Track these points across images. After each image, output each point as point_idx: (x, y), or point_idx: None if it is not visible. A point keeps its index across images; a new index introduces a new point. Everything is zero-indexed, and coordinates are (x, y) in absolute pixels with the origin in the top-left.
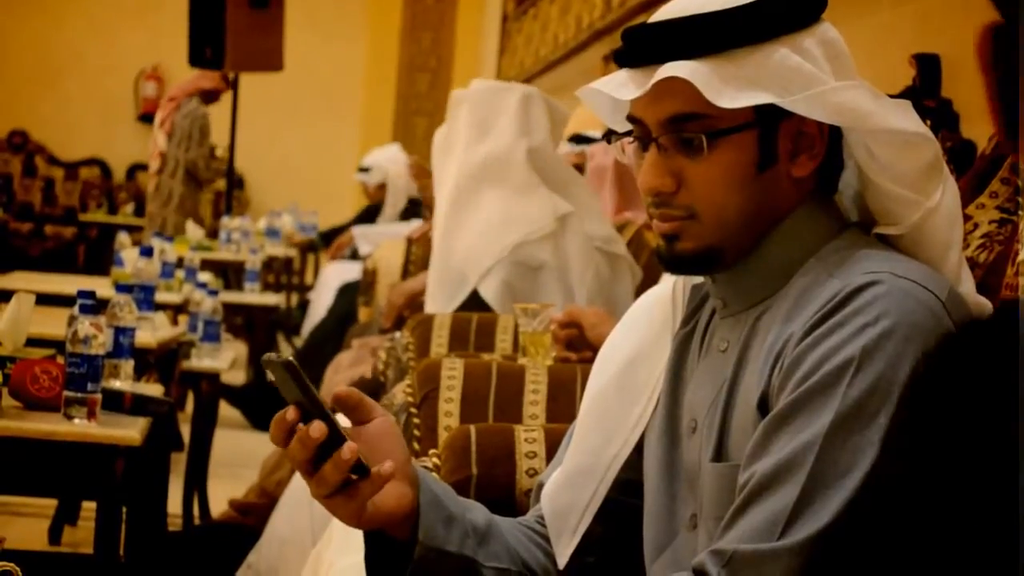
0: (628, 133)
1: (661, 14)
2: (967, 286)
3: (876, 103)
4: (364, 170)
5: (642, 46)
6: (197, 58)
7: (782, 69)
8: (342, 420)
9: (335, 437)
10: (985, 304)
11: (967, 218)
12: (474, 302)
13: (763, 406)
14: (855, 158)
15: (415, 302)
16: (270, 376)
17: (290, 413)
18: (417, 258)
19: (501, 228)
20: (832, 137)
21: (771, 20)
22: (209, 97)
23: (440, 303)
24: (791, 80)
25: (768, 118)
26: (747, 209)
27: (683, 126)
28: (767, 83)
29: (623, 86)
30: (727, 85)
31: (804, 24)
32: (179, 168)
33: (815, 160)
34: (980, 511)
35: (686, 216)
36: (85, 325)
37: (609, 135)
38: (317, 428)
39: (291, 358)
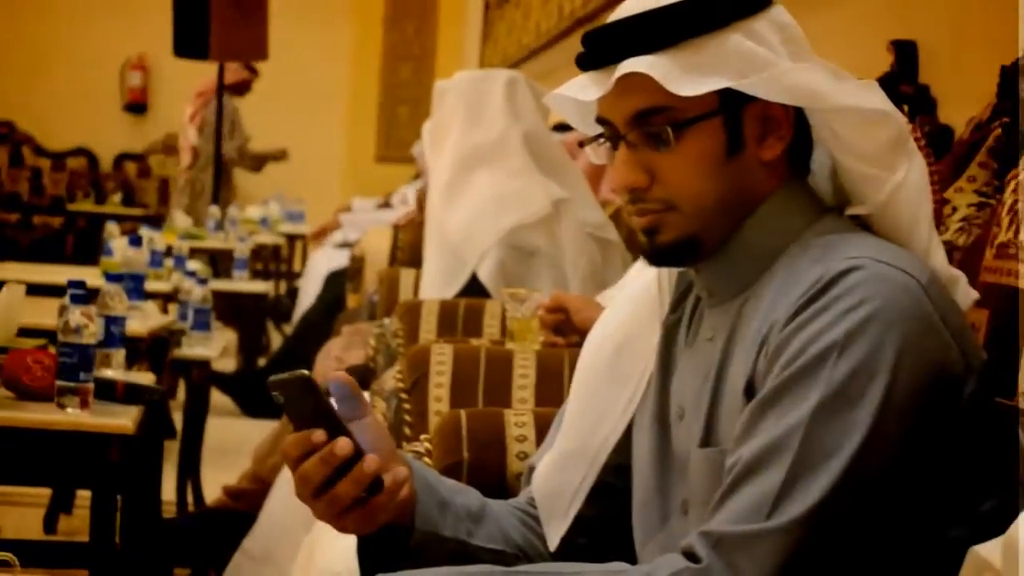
0: (599, 136)
1: (617, 14)
2: (938, 260)
3: (836, 83)
4: None
5: (601, 47)
6: (182, 48)
7: (737, 54)
8: None
9: (356, 452)
10: (958, 275)
11: (945, 202)
12: (468, 285)
13: (749, 391)
14: (820, 138)
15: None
16: (277, 397)
17: (318, 435)
18: (404, 244)
19: (496, 209)
20: (800, 119)
21: (722, 8)
22: (239, 89)
23: (439, 289)
24: (747, 64)
25: (732, 104)
26: (721, 196)
27: (649, 120)
28: (724, 69)
29: (585, 88)
30: (686, 75)
31: (755, 9)
32: (211, 162)
33: (783, 141)
34: (962, 490)
35: (663, 209)
36: (76, 315)
37: (582, 142)
38: (344, 445)
39: (306, 372)
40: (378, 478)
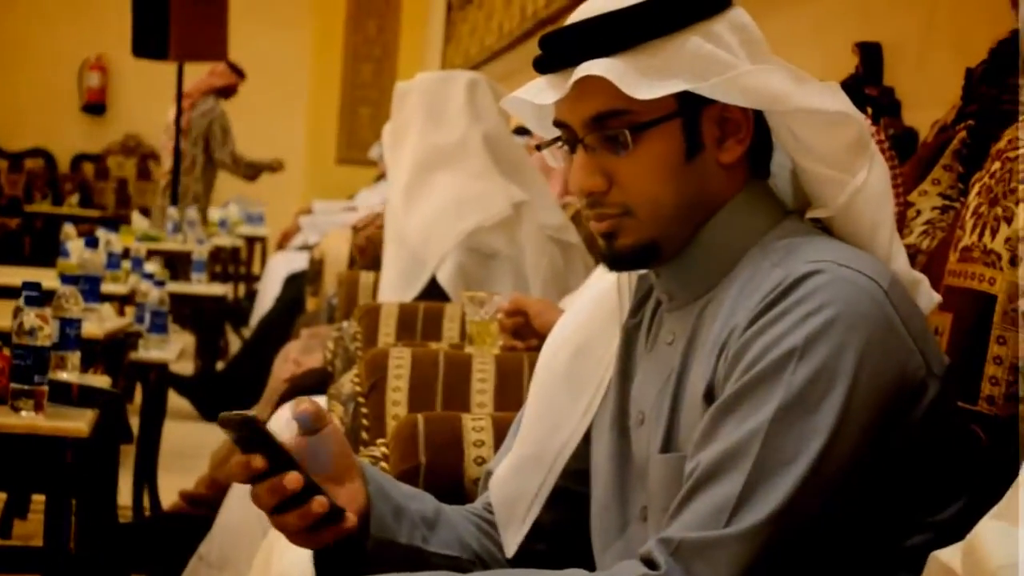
0: (556, 140)
1: (575, 16)
2: (900, 262)
3: (795, 85)
4: None
5: (558, 49)
6: (141, 48)
7: (695, 57)
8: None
9: (307, 487)
10: (920, 278)
11: (909, 205)
12: (427, 288)
13: (709, 396)
14: (780, 141)
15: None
16: (228, 434)
17: (256, 461)
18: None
19: (456, 212)
20: (760, 121)
21: (680, 10)
22: (226, 93)
23: (398, 291)
24: (705, 67)
25: (690, 106)
26: (680, 199)
27: (606, 123)
28: (681, 71)
29: (542, 91)
30: (643, 77)
31: (714, 11)
32: (196, 165)
33: (742, 144)
34: (924, 496)
35: (621, 213)
36: (31, 317)
37: (539, 146)
38: (293, 479)
39: (250, 414)
40: (337, 512)
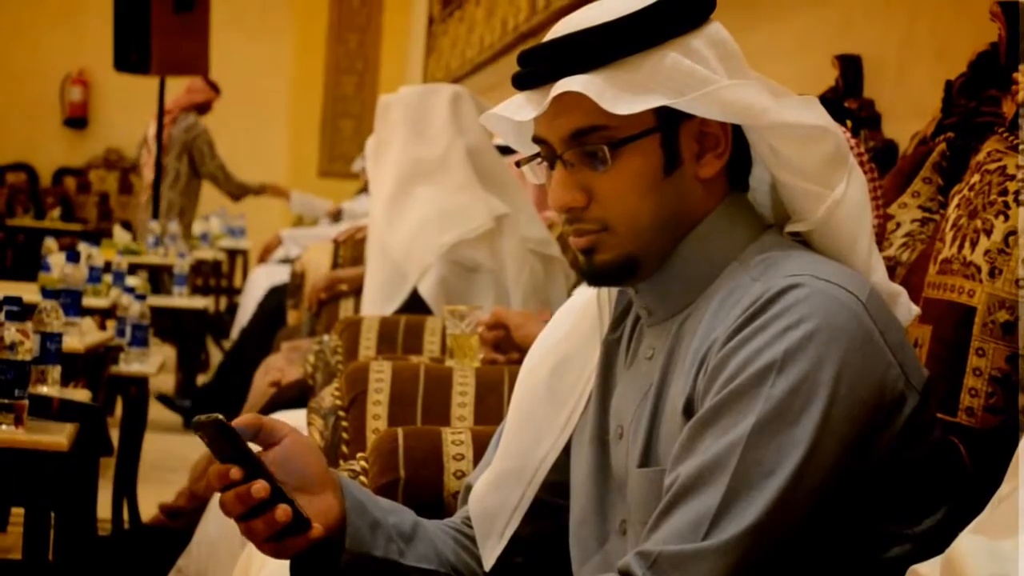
0: (536, 156)
1: (553, 32)
2: (879, 275)
3: (773, 99)
4: None
5: (536, 66)
6: (123, 62)
7: (673, 72)
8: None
9: (273, 494)
10: (899, 291)
11: (889, 217)
12: (408, 301)
13: (688, 410)
14: (758, 155)
15: (334, 288)
16: (201, 436)
17: (234, 472)
18: (345, 260)
19: (438, 225)
20: (738, 135)
21: (658, 26)
22: (202, 109)
23: (380, 304)
24: (683, 82)
25: (668, 121)
26: (659, 214)
27: (585, 139)
28: (660, 87)
29: (521, 108)
30: (622, 93)
31: (691, 27)
32: (180, 179)
33: (721, 159)
34: (903, 508)
35: (600, 229)
36: (11, 331)
37: (519, 162)
38: (261, 488)
39: (220, 416)
40: (303, 522)
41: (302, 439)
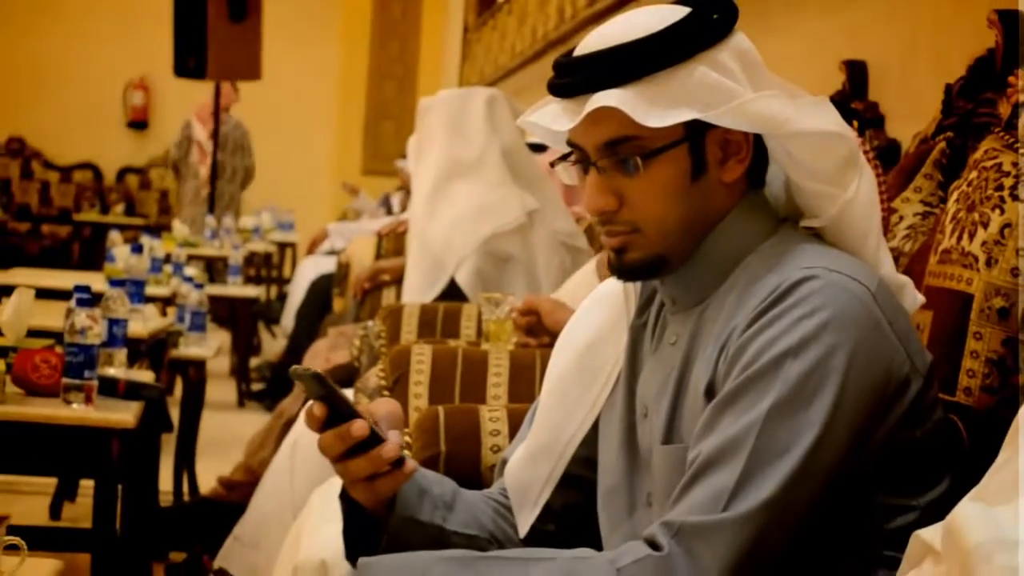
0: (568, 155)
1: (586, 46)
2: (886, 267)
3: (793, 108)
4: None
5: (572, 78)
6: (181, 68)
7: (702, 86)
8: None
9: (374, 436)
10: (905, 281)
11: (893, 211)
12: (447, 289)
13: (710, 392)
14: (776, 159)
15: (377, 278)
16: (299, 385)
17: (317, 409)
18: (387, 252)
19: (475, 219)
20: (757, 137)
21: (686, 42)
22: (227, 110)
23: (420, 292)
24: (712, 95)
25: (695, 131)
26: (686, 217)
27: (618, 149)
28: (690, 100)
29: (558, 118)
30: (653, 107)
31: (717, 40)
32: (237, 174)
33: (743, 164)
34: (909, 481)
35: (631, 231)
36: (82, 317)
37: (553, 162)
38: (359, 427)
39: (318, 371)
40: (401, 459)
41: (393, 403)
